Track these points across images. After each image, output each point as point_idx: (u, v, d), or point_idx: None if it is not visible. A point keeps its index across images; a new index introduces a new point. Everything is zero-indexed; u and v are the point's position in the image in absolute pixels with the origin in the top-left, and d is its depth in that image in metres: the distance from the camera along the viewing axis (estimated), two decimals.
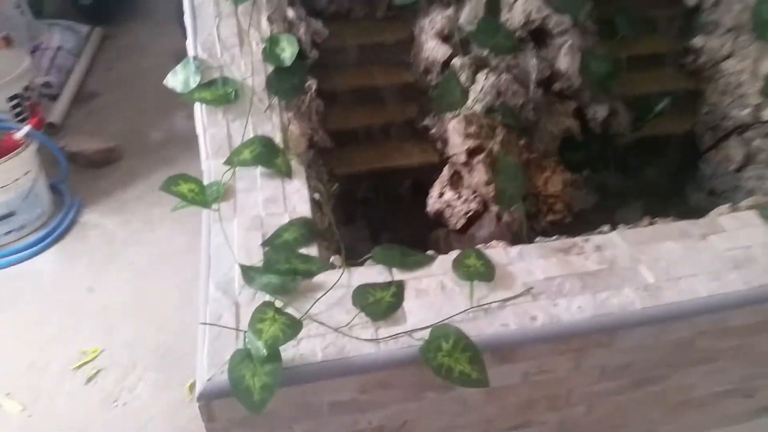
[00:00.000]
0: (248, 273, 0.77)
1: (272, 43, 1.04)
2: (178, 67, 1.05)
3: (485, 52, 1.10)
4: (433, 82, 1.13)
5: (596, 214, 1.07)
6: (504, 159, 0.98)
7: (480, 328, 0.72)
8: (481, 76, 1.08)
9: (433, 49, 1.11)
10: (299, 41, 1.04)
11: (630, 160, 1.21)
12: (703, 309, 0.77)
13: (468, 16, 1.10)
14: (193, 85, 1.02)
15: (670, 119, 1.20)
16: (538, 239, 0.89)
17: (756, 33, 1.15)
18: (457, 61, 1.09)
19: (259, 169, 0.93)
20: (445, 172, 1.07)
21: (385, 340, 0.71)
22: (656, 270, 0.80)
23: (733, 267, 0.80)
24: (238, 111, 1.02)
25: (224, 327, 0.72)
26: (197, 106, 1.02)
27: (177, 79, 1.05)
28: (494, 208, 1.02)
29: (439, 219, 1.08)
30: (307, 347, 0.70)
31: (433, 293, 0.77)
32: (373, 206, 1.07)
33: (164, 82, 1.07)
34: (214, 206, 0.87)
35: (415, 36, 1.16)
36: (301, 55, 1.05)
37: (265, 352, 0.66)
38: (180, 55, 1.05)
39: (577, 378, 0.80)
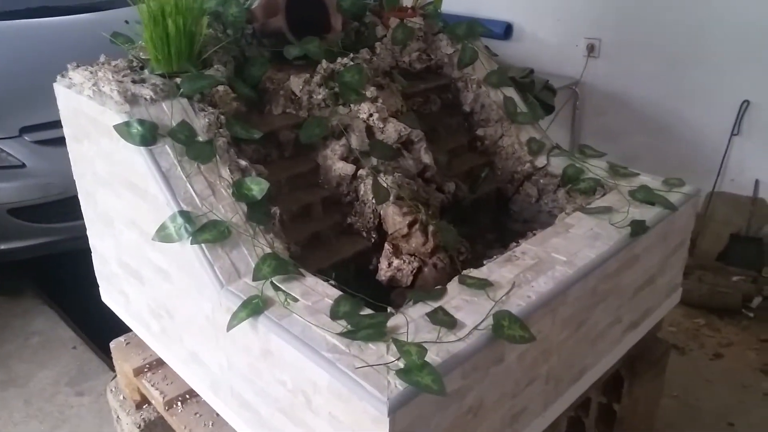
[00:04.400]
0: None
1: (239, 186, 1.30)
2: (167, 222, 1.24)
3: (375, 162, 1.53)
4: (345, 192, 1.52)
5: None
6: (437, 222, 1.41)
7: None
8: (381, 178, 1.50)
9: (341, 168, 1.50)
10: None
11: (470, 213, 1.74)
12: (596, 264, 1.30)
13: (356, 142, 1.53)
14: (189, 232, 1.22)
15: (485, 183, 1.78)
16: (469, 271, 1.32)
17: (510, 119, 1.82)
18: (363, 172, 1.50)
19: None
20: (387, 246, 1.44)
21: (464, 338, 1.05)
22: (561, 254, 1.31)
23: (594, 239, 1.36)
24: (230, 243, 1.25)
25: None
26: (197, 248, 1.22)
27: (168, 232, 1.23)
28: (430, 261, 1.43)
29: (390, 283, 1.44)
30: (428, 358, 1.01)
31: (465, 306, 1.14)
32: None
33: (152, 238, 1.24)
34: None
35: (320, 164, 1.53)
36: None
37: (419, 361, 0.95)
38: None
39: (554, 332, 1.24)
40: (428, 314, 1.10)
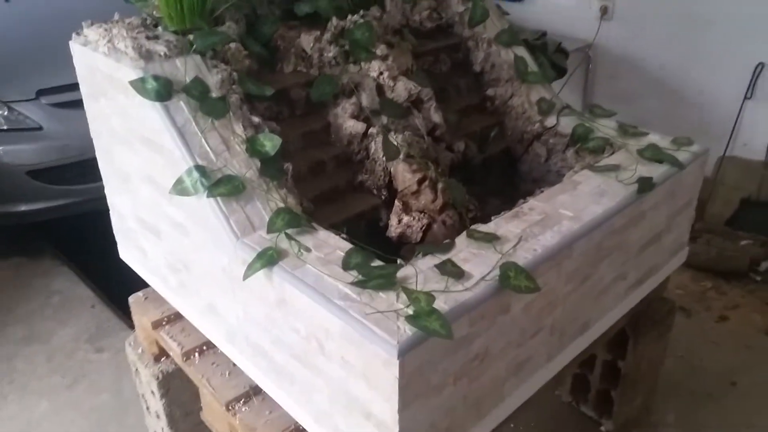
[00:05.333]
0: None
1: (252, 142, 1.33)
2: (183, 176, 1.27)
3: (385, 121, 1.55)
4: (356, 150, 1.54)
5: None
6: (446, 180, 1.43)
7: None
8: (391, 136, 1.52)
9: (352, 127, 1.52)
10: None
11: (479, 173, 1.76)
12: (602, 220, 1.32)
13: (366, 100, 1.54)
14: (204, 186, 1.25)
15: (494, 143, 1.79)
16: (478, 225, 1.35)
17: (521, 79, 1.82)
18: (373, 131, 1.52)
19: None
20: (397, 203, 1.47)
21: (472, 288, 1.09)
22: (568, 209, 1.33)
23: (601, 196, 1.38)
24: (245, 198, 1.28)
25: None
26: (212, 202, 1.25)
27: (184, 186, 1.27)
28: (439, 218, 1.46)
29: (400, 240, 1.47)
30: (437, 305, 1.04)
31: (473, 258, 1.17)
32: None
33: (169, 191, 1.28)
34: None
35: (331, 122, 1.55)
36: None
37: (427, 307, 0.99)
38: None
39: (559, 285, 1.28)
40: (437, 266, 1.13)
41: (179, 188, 1.27)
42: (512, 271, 1.11)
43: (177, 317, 1.69)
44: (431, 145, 1.59)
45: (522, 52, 1.88)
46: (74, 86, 1.62)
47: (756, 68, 2.87)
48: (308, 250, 1.17)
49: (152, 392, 1.81)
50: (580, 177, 1.48)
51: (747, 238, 2.95)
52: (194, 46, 1.36)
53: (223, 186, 1.26)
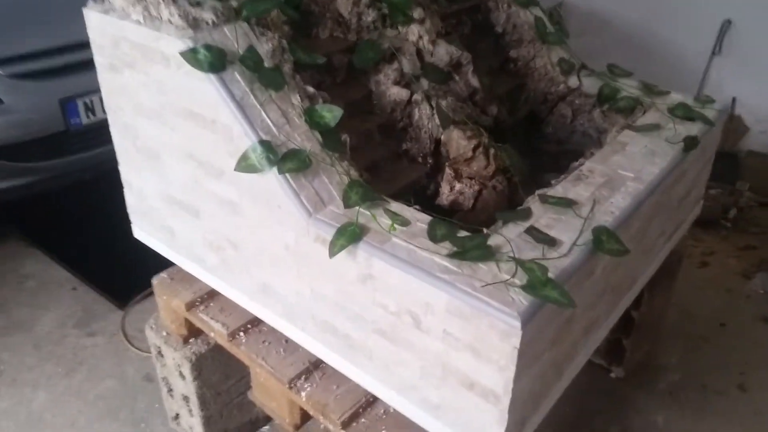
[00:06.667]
0: None
1: (311, 114, 1.27)
2: (248, 152, 1.20)
3: (425, 86, 1.51)
4: (399, 118, 1.50)
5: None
6: (501, 146, 1.42)
7: None
8: (434, 101, 1.49)
9: (396, 94, 1.48)
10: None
11: (510, 136, 1.76)
12: (661, 179, 1.35)
13: (408, 66, 1.50)
14: (272, 162, 1.19)
15: (522, 106, 1.79)
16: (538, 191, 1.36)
17: (541, 40, 1.82)
18: (417, 97, 1.49)
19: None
20: (449, 171, 1.45)
21: (567, 254, 1.10)
22: (628, 170, 1.36)
23: (652, 156, 1.41)
24: (312, 172, 1.23)
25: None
26: (281, 178, 1.19)
27: (250, 162, 1.20)
28: (490, 184, 1.46)
29: (452, 207, 1.46)
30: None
31: (555, 224, 1.18)
32: None
33: (234, 169, 1.21)
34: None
35: (373, 90, 1.51)
36: None
37: (543, 277, 0.99)
38: None
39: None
40: (527, 233, 1.13)
41: (244, 165, 1.21)
42: (604, 235, 1.13)
43: (210, 297, 1.63)
44: (473, 110, 1.57)
45: (538, 12, 1.87)
46: (38, 55, 1.46)
47: (723, 24, 2.99)
48: (406, 223, 1.14)
49: (181, 374, 1.75)
50: (624, 138, 1.51)
51: (714, 187, 3.12)
52: (244, 13, 1.27)
53: (290, 161, 1.20)
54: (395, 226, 1.13)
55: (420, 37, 1.52)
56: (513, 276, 1.03)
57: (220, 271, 1.50)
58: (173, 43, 1.23)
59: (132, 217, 1.70)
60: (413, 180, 1.47)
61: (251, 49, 1.24)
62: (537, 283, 1.00)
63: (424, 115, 1.48)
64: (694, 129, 1.53)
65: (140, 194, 1.62)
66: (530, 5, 1.85)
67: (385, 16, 1.52)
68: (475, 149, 1.43)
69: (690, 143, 1.45)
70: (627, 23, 3.32)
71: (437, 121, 1.47)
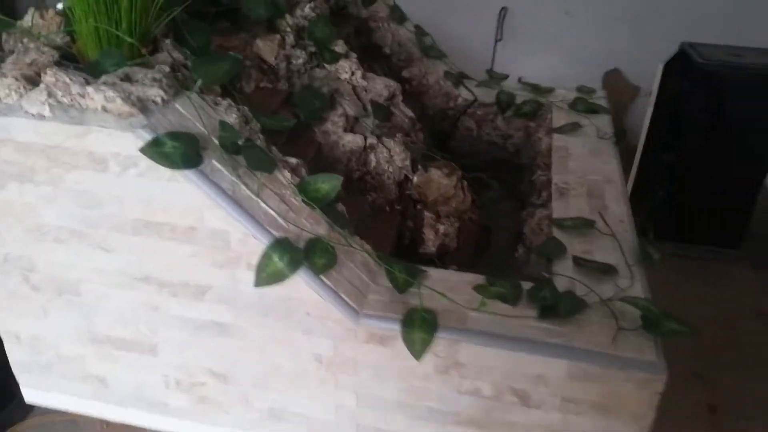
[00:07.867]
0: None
1: (304, 189, 1.03)
2: (268, 258, 0.93)
3: (371, 126, 1.36)
4: (354, 168, 1.32)
5: None
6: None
7: None
8: (387, 141, 1.35)
9: (351, 142, 1.29)
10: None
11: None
12: (622, 177, 1.40)
13: (351, 108, 1.32)
14: (298, 262, 0.94)
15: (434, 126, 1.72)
16: None
17: (426, 54, 1.76)
18: (371, 141, 1.32)
19: None
20: (428, 214, 1.32)
21: (632, 278, 1.07)
22: (593, 174, 1.38)
23: (599, 154, 1.46)
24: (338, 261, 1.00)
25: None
26: (310, 280, 0.95)
27: (274, 269, 0.94)
28: (466, 217, 1.37)
29: (439, 251, 1.34)
30: None
31: (593, 249, 1.14)
32: None
33: (254, 285, 0.92)
34: None
35: (322, 142, 1.29)
36: None
37: (657, 311, 0.94)
38: None
39: None
40: (581, 265, 1.07)
41: (266, 276, 0.93)
42: (646, 246, 1.12)
43: None
44: (420, 142, 1.45)
45: (411, 27, 1.81)
46: None
47: (500, 12, 3.26)
48: (498, 296, 0.98)
49: None
50: (558, 142, 1.53)
51: None
52: (199, 82, 0.96)
53: (318, 256, 0.96)
54: (485, 300, 0.98)
55: (352, 73, 1.34)
56: (618, 319, 0.97)
57: (194, 413, 1.16)
58: (115, 137, 0.88)
59: (20, 377, 1.22)
60: (395, 233, 1.31)
61: (226, 126, 0.95)
62: (656, 319, 0.95)
63: (382, 159, 1.32)
64: (604, 120, 1.63)
65: (38, 345, 1.16)
66: (403, 21, 1.77)
67: (311, 55, 1.30)
68: (455, 186, 1.32)
69: (619, 135, 1.53)
70: (418, 21, 3.43)
71: (398, 163, 1.32)
